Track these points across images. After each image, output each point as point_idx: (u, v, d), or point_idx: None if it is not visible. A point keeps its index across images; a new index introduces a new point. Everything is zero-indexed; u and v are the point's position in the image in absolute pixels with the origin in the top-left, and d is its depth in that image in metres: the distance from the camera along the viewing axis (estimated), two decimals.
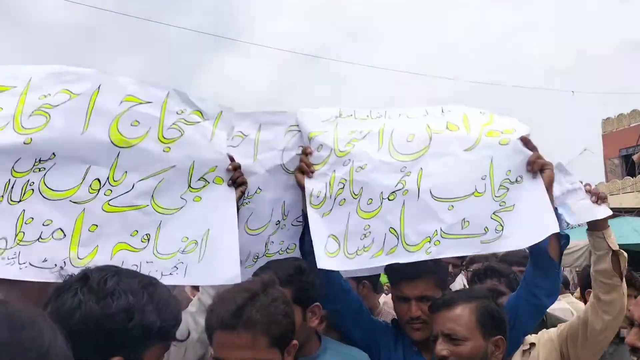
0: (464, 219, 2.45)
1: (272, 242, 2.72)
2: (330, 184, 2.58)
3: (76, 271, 2.11)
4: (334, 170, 2.60)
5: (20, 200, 2.09)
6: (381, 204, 2.51)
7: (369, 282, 3.43)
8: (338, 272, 2.56)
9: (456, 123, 2.66)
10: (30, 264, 2.07)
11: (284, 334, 1.86)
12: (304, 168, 2.61)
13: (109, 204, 2.24)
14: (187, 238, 2.36)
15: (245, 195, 2.59)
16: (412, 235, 2.46)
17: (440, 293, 2.56)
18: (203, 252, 2.36)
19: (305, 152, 2.65)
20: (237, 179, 2.51)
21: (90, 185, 2.21)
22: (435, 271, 2.58)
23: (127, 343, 1.46)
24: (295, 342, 1.94)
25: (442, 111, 2.77)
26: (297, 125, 2.76)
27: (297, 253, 2.74)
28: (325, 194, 2.56)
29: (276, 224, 2.72)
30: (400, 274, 2.57)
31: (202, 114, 2.51)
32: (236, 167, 2.51)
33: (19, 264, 2.05)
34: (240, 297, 1.83)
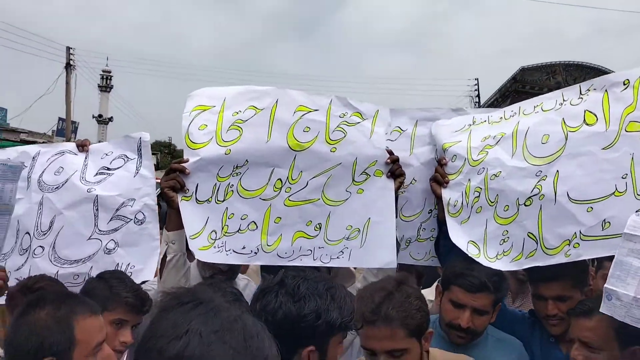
0: (604, 220, 2.45)
1: (424, 228, 3.05)
2: (466, 193, 2.79)
3: (266, 256, 2.63)
4: (469, 179, 2.80)
5: (224, 200, 2.64)
6: (518, 210, 2.63)
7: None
8: None
9: (595, 111, 2.56)
10: (234, 251, 2.63)
11: (419, 325, 2.13)
12: (438, 178, 2.86)
13: (289, 200, 2.71)
14: (351, 226, 2.78)
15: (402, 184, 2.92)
16: (551, 238, 2.54)
17: (578, 292, 2.63)
18: (365, 239, 2.78)
19: (440, 163, 2.89)
20: (395, 170, 2.83)
21: (274, 185, 2.69)
22: (573, 273, 2.60)
23: (316, 336, 1.85)
24: (430, 330, 2.23)
25: (581, 92, 2.67)
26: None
27: None
28: (462, 203, 2.79)
29: (428, 212, 3.04)
30: (538, 275, 2.67)
31: (361, 115, 2.85)
32: (394, 160, 2.84)
33: (225, 251, 2.61)
34: (377, 296, 2.11)
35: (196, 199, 2.61)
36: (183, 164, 2.60)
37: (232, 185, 2.65)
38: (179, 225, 2.59)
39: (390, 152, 2.85)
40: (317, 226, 2.75)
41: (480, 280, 2.51)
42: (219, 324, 1.32)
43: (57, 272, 2.84)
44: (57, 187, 3.04)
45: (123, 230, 2.99)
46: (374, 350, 2.09)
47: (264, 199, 2.68)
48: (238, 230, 2.64)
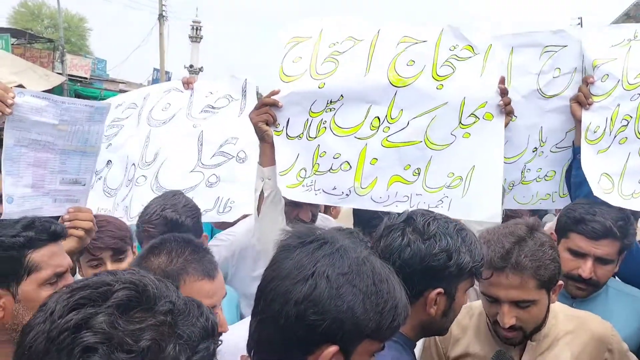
0: None
1: (529, 169, 2.73)
2: (611, 120, 2.45)
3: (359, 199, 2.48)
4: (618, 105, 2.44)
5: (315, 137, 2.45)
6: None
7: None
8: None
9: None
10: (323, 191, 2.45)
11: (552, 277, 1.91)
12: (581, 99, 2.49)
13: (387, 140, 2.48)
14: (453, 174, 2.51)
15: None
16: None
17: None
18: (467, 188, 2.51)
19: (587, 82, 2.51)
20: (509, 114, 2.51)
21: (371, 123, 2.46)
22: None
23: (445, 278, 1.68)
24: (561, 282, 2.00)
25: None
26: (556, 46, 2.61)
27: (555, 180, 2.75)
28: (604, 130, 2.45)
29: (533, 151, 2.71)
30: None
31: (473, 49, 2.54)
32: (507, 103, 2.50)
33: (315, 190, 2.44)
34: (507, 241, 1.90)
35: (287, 134, 2.42)
36: (274, 97, 2.43)
37: (325, 121, 2.44)
38: (274, 161, 2.43)
39: (504, 92, 2.50)
40: (416, 171, 2.50)
41: (604, 225, 2.23)
42: (346, 265, 1.23)
43: None
44: (164, 122, 3.20)
45: (225, 166, 3.09)
46: (498, 298, 1.90)
47: (359, 138, 2.46)
48: (330, 170, 2.45)
